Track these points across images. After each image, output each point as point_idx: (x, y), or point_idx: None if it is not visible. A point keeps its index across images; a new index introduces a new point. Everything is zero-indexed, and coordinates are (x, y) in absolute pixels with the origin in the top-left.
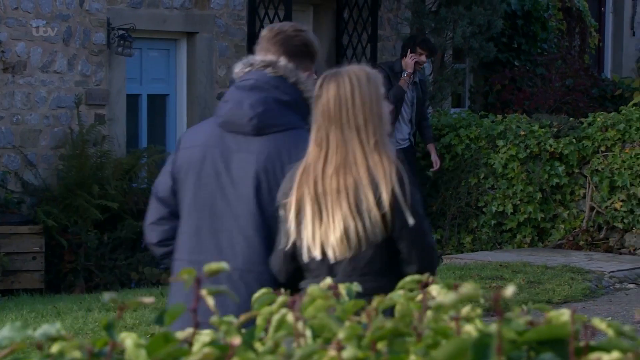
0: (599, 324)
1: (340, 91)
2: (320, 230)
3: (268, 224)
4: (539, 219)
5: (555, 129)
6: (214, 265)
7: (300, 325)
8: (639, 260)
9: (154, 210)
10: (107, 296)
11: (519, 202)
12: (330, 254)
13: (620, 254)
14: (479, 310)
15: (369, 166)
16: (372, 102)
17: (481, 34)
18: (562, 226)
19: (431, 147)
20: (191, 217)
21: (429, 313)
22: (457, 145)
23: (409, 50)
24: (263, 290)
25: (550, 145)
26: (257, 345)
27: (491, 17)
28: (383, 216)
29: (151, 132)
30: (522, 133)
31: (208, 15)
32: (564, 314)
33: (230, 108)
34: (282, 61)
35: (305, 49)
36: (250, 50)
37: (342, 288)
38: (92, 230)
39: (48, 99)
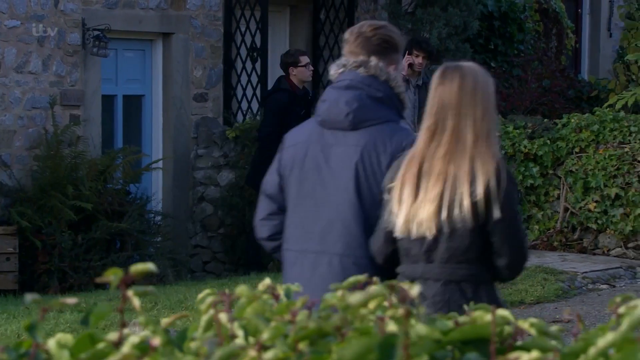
0: (522, 323)
1: (464, 83)
2: (413, 207)
3: (366, 211)
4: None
5: (529, 130)
6: (140, 266)
7: (235, 325)
8: (613, 261)
9: (263, 207)
10: (28, 298)
11: None
12: (415, 230)
13: (594, 254)
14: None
15: (473, 156)
16: (489, 98)
17: (457, 35)
18: (537, 227)
19: None
20: (296, 209)
21: (354, 312)
22: None
23: (406, 52)
24: (207, 290)
25: (525, 147)
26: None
27: (467, 18)
28: (474, 206)
29: (127, 133)
30: (497, 134)
31: (184, 16)
32: (487, 314)
33: (327, 107)
34: (373, 61)
35: (386, 44)
36: (227, 51)
37: (280, 289)
38: (66, 231)
39: (22, 100)
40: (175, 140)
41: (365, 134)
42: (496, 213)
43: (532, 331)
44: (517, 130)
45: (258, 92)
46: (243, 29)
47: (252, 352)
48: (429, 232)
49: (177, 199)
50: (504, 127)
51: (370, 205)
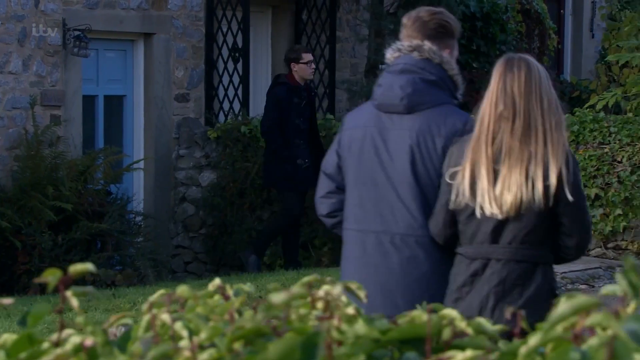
0: (460, 322)
1: (533, 72)
2: (495, 191)
3: (423, 192)
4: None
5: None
6: (79, 266)
7: (178, 326)
8: (592, 261)
9: (322, 185)
10: None
11: None
12: (496, 212)
13: None
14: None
15: (546, 142)
16: (551, 90)
17: None
18: None
19: None
20: (356, 190)
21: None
22: None
23: None
24: (160, 291)
25: None
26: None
27: None
28: (546, 189)
29: (108, 133)
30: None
31: (165, 16)
32: (425, 315)
33: (383, 91)
34: (427, 44)
35: (443, 29)
36: (209, 51)
37: (229, 289)
38: (46, 231)
39: (3, 100)
40: (156, 140)
41: (420, 117)
42: (569, 196)
43: (470, 330)
44: None
45: (240, 92)
46: (225, 30)
47: (187, 353)
48: (511, 212)
49: (158, 199)
50: None
51: (427, 187)
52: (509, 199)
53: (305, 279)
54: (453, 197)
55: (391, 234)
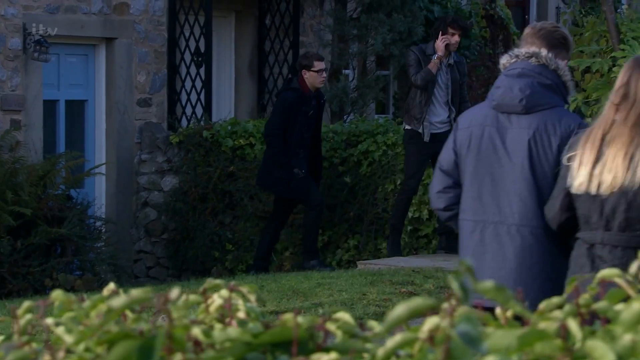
0: (330, 325)
1: None
2: (596, 170)
3: (538, 186)
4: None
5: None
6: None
7: (60, 330)
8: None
9: (439, 181)
10: None
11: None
12: (594, 190)
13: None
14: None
15: None
16: None
17: (402, 41)
18: None
19: None
20: (474, 184)
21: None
22: (375, 151)
23: (440, 32)
24: (105, 293)
25: None
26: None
27: (412, 24)
28: None
29: (69, 138)
30: None
31: (127, 21)
32: (296, 317)
33: (502, 92)
34: (543, 52)
35: (564, 41)
36: (171, 56)
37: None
38: (5, 236)
39: None
40: (118, 145)
41: (536, 117)
42: None
43: (338, 333)
44: None
45: (202, 97)
46: (187, 34)
47: (47, 357)
48: (609, 191)
49: (120, 204)
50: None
51: (542, 182)
52: (608, 178)
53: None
54: (569, 180)
55: (507, 224)
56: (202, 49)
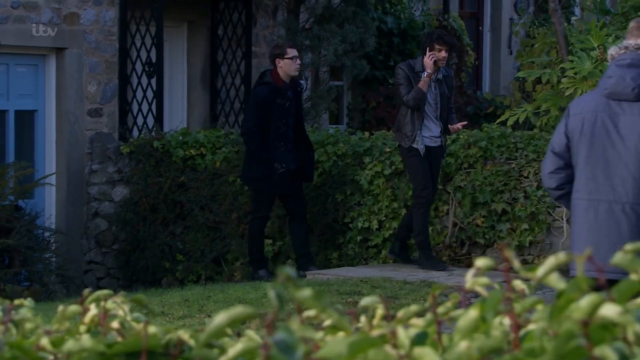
0: (184, 335)
1: None
2: None
3: None
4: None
5: None
6: None
7: None
8: (498, 275)
9: (551, 162)
10: None
11: (384, 218)
12: None
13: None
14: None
15: None
16: None
17: (354, 52)
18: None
19: (453, 126)
20: (587, 166)
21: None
22: (325, 161)
23: (427, 48)
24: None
25: None
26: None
27: (363, 35)
28: None
29: (19, 149)
30: (388, 150)
31: (77, 31)
32: (152, 327)
33: (614, 82)
34: None
35: None
36: (122, 66)
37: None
38: None
39: None
40: (68, 155)
41: None
42: None
43: (192, 342)
44: None
45: (154, 107)
46: (139, 44)
47: None
48: None
49: (70, 214)
50: (395, 142)
51: None
52: None
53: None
54: None
55: (622, 203)
56: (154, 59)
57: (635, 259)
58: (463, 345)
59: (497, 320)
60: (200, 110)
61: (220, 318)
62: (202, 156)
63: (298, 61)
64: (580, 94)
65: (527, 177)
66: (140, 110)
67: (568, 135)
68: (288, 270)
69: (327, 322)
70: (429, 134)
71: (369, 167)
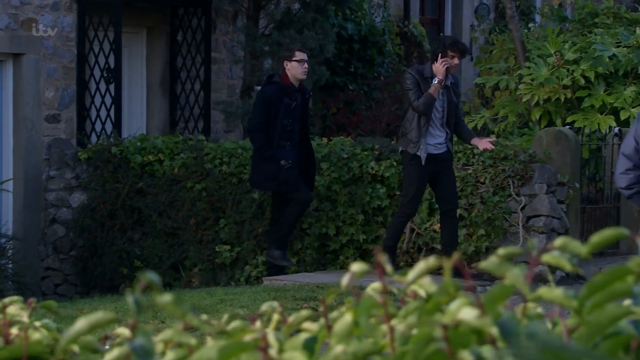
0: (69, 345)
1: None
2: None
3: None
4: (362, 241)
5: (377, 152)
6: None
7: None
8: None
9: (621, 164)
10: None
11: (342, 224)
12: None
13: (439, 274)
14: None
15: None
16: None
17: (313, 58)
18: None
19: (475, 140)
20: None
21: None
22: None
23: (439, 54)
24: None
25: (372, 168)
26: None
27: (323, 41)
28: None
29: None
30: (345, 156)
31: (35, 37)
32: (36, 333)
33: None
34: None
35: None
36: (81, 72)
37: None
38: None
39: None
40: (26, 161)
41: None
42: None
43: (76, 349)
44: (365, 152)
45: (112, 113)
46: (97, 50)
47: None
48: None
49: (28, 221)
50: (353, 148)
51: None
52: None
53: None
54: None
55: None
56: (112, 65)
57: (503, 264)
58: (338, 349)
59: (374, 323)
60: (160, 116)
61: (80, 324)
62: (160, 162)
63: (306, 65)
64: (537, 100)
65: (483, 183)
66: (98, 116)
67: (636, 139)
68: (150, 275)
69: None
70: (434, 141)
71: (326, 173)
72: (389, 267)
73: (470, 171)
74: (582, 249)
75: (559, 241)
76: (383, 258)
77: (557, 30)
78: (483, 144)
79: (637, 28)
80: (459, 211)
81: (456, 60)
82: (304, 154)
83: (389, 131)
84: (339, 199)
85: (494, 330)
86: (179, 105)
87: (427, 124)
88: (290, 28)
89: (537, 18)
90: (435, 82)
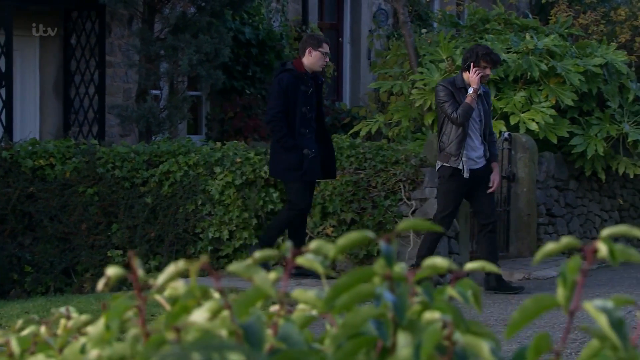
0: None
1: None
2: None
3: None
4: (254, 245)
5: (269, 156)
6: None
7: None
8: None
9: None
10: None
11: (234, 228)
12: None
13: (330, 278)
14: None
15: None
16: None
17: (209, 62)
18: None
19: (494, 166)
20: None
21: None
22: (176, 171)
23: (472, 63)
24: None
25: (265, 172)
26: None
27: (218, 45)
28: None
29: None
30: (239, 160)
31: None
32: None
33: None
34: None
35: None
36: None
37: None
38: None
39: None
40: None
41: None
42: None
43: None
44: (258, 156)
45: (3, 117)
46: None
47: None
48: None
49: None
50: (246, 152)
51: None
52: None
53: None
54: None
55: None
56: (3, 69)
57: (251, 267)
58: (93, 353)
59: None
60: (54, 120)
61: None
62: (51, 166)
63: (327, 58)
64: (430, 105)
65: (375, 187)
66: None
67: None
68: None
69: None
70: (474, 154)
71: (219, 177)
72: (140, 271)
73: (362, 175)
74: (332, 251)
75: (313, 244)
76: (136, 262)
77: (448, 35)
78: (494, 176)
79: (527, 34)
80: (351, 215)
81: (488, 71)
82: (322, 142)
83: None
84: (232, 203)
85: (224, 332)
86: (74, 109)
87: (465, 135)
88: (186, 32)
89: (435, 24)
90: (471, 91)
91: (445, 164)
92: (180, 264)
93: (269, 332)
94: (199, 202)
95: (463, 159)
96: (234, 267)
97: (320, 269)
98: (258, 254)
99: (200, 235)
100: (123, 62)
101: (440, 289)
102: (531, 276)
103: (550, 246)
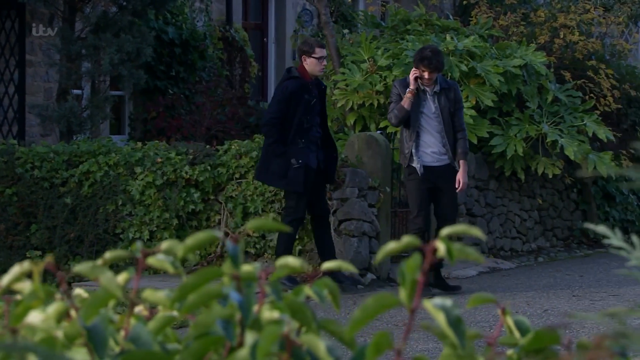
0: None
1: None
2: None
3: None
4: None
5: (191, 156)
6: None
7: None
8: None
9: None
10: None
11: (155, 229)
12: None
13: None
14: None
15: None
16: None
17: (130, 62)
18: (199, 251)
19: (462, 164)
20: None
21: None
22: (96, 172)
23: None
24: None
25: (186, 172)
26: None
27: (140, 45)
28: None
29: None
30: (159, 160)
31: None
32: None
33: None
34: None
35: None
36: None
37: None
38: None
39: None
40: None
41: None
42: None
43: None
44: (179, 157)
45: None
46: None
47: None
48: None
49: None
50: (167, 152)
51: None
52: None
53: None
54: None
55: None
56: None
57: (97, 268)
58: None
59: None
60: None
61: None
62: None
63: (324, 62)
64: (352, 106)
65: None
66: None
67: None
68: None
69: None
70: (430, 149)
71: (140, 177)
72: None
73: None
74: (180, 251)
75: (164, 244)
76: (37, 267)
77: (370, 36)
78: (460, 175)
79: (447, 35)
80: (272, 215)
81: (426, 75)
82: (326, 147)
83: (209, 135)
84: (152, 204)
85: (60, 334)
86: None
87: (415, 133)
88: (107, 31)
89: (359, 24)
90: (406, 92)
91: (404, 165)
92: (26, 264)
93: (122, 333)
94: (120, 203)
95: (415, 157)
96: (80, 267)
97: (170, 268)
98: (108, 254)
99: (121, 236)
100: (44, 62)
101: (297, 288)
102: (450, 275)
103: (391, 245)
